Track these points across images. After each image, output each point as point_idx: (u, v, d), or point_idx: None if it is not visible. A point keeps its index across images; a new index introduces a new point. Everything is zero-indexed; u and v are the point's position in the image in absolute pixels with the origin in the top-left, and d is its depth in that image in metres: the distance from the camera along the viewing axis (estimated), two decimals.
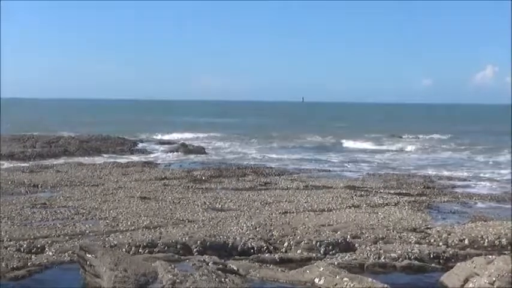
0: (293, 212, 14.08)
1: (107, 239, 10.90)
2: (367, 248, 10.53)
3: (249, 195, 16.69)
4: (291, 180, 20.23)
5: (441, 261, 10.11)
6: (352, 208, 14.73)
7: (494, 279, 7.99)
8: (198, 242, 10.51)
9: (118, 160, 26.32)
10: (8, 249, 10.21)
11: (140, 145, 36.00)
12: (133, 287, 7.50)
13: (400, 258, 9.94)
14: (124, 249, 10.00)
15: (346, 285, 8.07)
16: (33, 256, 9.94)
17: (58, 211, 13.78)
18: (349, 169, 25.38)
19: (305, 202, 15.50)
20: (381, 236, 11.40)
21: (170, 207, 14.57)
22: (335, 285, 8.22)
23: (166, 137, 44.06)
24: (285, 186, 18.75)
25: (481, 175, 23.49)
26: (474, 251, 10.57)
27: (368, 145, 39.51)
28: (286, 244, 10.85)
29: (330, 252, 10.51)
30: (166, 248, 10.23)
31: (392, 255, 10.05)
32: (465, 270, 8.63)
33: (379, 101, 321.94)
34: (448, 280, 8.81)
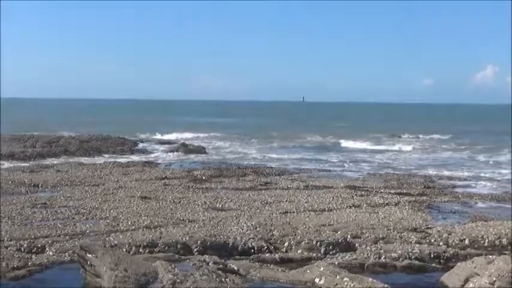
0: (293, 212, 14.08)
1: (107, 238, 10.90)
2: (368, 247, 10.52)
3: (249, 195, 16.69)
4: (291, 180, 20.23)
5: (441, 261, 10.11)
6: (353, 208, 14.74)
7: (494, 279, 7.99)
8: (199, 241, 10.51)
9: (118, 160, 26.34)
10: (9, 248, 10.21)
11: (140, 145, 36.03)
12: (133, 286, 7.50)
13: (401, 258, 9.93)
14: (124, 249, 10.00)
15: (347, 285, 8.07)
16: (33, 256, 9.94)
17: (58, 211, 13.78)
18: (349, 169, 25.38)
19: (305, 202, 15.50)
20: (381, 235, 11.40)
21: (170, 207, 14.57)
22: (335, 285, 8.22)
23: (166, 137, 44.11)
24: (285, 186, 18.75)
25: (482, 175, 23.50)
26: (474, 251, 10.58)
27: (368, 145, 39.52)
28: (286, 244, 10.86)
29: (331, 252, 10.52)
30: (166, 247, 10.23)
31: (393, 255, 10.05)
32: (465, 270, 8.63)
33: (380, 101, 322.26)
34: (448, 280, 8.81)
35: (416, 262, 9.87)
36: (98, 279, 8.05)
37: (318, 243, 10.75)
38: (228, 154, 32.49)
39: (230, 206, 14.88)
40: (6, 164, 24.18)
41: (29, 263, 9.54)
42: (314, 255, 10.35)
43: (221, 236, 10.98)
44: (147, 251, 10.10)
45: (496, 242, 11.12)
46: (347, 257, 10.01)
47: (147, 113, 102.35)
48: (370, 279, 8.21)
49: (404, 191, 17.95)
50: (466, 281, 8.45)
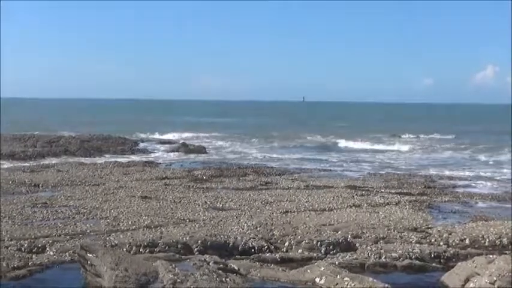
0: (294, 212, 14.08)
1: (107, 238, 10.90)
2: (368, 247, 10.53)
3: (249, 194, 16.69)
4: (292, 179, 20.24)
5: (442, 260, 10.11)
6: (353, 208, 14.74)
7: (495, 278, 7.99)
8: (199, 241, 10.51)
9: (119, 160, 26.34)
10: (9, 248, 10.21)
11: (141, 145, 36.04)
12: (134, 286, 7.50)
13: (401, 258, 9.94)
14: (125, 249, 10.00)
15: (347, 284, 8.07)
16: (34, 256, 9.94)
17: (59, 210, 13.79)
18: (349, 169, 25.37)
19: (306, 202, 15.50)
20: (381, 235, 11.41)
21: (171, 206, 14.57)
22: (336, 284, 8.22)
23: (166, 137, 44.13)
24: (285, 185, 18.75)
25: (482, 174, 23.51)
26: (475, 250, 10.58)
27: (368, 145, 39.54)
28: (287, 244, 10.86)
29: (331, 252, 10.52)
30: (167, 247, 10.24)
31: (393, 254, 10.05)
32: (466, 269, 8.63)
33: (380, 101, 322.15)
34: (448, 280, 8.81)
35: (417, 262, 9.87)
36: (98, 279, 8.05)
37: (319, 243, 10.75)
38: (228, 154, 32.51)
39: (230, 206, 14.88)
40: (6, 164, 24.18)
41: (30, 263, 9.54)
42: (314, 255, 10.35)
43: (221, 236, 10.99)
44: (147, 250, 10.11)
45: (496, 241, 11.13)
46: (347, 256, 10.02)
47: (147, 112, 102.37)
48: (371, 279, 8.22)
49: (405, 191, 17.95)
50: (467, 280, 8.46)
